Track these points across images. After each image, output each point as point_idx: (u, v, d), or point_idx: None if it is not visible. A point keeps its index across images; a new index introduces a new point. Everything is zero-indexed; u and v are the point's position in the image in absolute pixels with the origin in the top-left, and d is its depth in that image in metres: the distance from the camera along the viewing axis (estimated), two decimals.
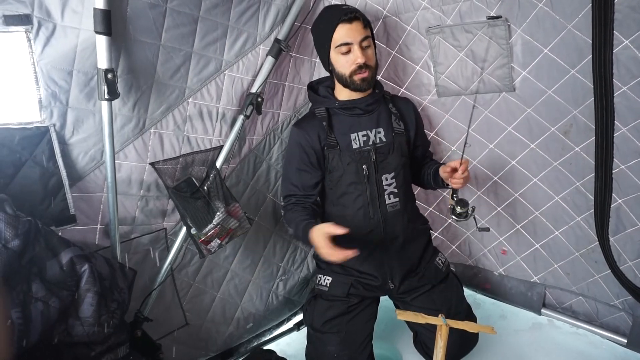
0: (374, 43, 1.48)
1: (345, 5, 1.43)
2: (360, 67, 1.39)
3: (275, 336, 1.99)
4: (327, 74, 1.55)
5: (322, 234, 1.25)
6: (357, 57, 1.38)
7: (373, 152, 1.47)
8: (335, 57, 1.42)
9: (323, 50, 1.46)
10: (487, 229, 1.55)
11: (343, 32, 1.38)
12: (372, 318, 1.60)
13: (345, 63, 1.41)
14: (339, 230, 1.22)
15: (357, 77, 1.41)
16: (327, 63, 1.47)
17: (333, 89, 1.54)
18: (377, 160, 1.48)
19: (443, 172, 1.42)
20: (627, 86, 1.24)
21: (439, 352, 1.27)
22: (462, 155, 1.35)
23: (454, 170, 1.37)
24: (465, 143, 1.36)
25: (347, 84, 1.44)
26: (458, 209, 1.39)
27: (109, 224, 1.28)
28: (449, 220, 2.00)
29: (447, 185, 1.43)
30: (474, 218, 1.43)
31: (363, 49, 1.39)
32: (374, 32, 1.51)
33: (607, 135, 1.31)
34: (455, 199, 1.40)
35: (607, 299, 1.61)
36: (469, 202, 1.40)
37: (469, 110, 1.64)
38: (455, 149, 1.79)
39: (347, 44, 1.38)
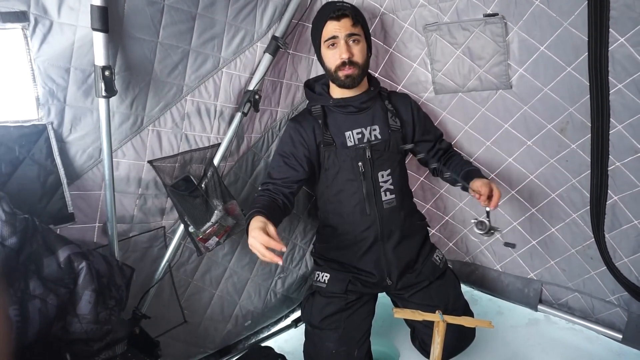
0: (368, 42, 1.49)
1: (340, 2, 1.45)
2: (344, 63, 1.41)
3: (273, 333, 2.00)
4: (324, 72, 1.55)
5: (260, 227, 1.13)
6: (341, 52, 1.40)
7: (368, 149, 1.48)
8: (324, 52, 1.46)
9: (316, 47, 1.50)
10: (514, 245, 1.52)
11: (331, 28, 1.41)
12: (370, 314, 1.60)
13: (331, 57, 1.44)
14: (273, 242, 1.09)
15: (341, 73, 1.43)
16: (320, 59, 1.50)
17: (329, 86, 1.55)
18: (372, 157, 1.48)
19: (472, 194, 1.38)
20: (622, 84, 1.24)
21: (436, 348, 1.27)
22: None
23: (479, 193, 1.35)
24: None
25: (333, 79, 1.47)
26: (478, 229, 1.39)
27: (107, 222, 1.28)
28: (447, 218, 2.01)
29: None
30: (500, 235, 1.42)
31: (349, 45, 1.41)
32: (369, 30, 1.52)
33: (602, 133, 1.32)
34: (487, 216, 1.39)
35: (602, 295, 1.62)
36: (492, 222, 1.38)
37: (466, 108, 1.65)
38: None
39: (333, 37, 1.41)
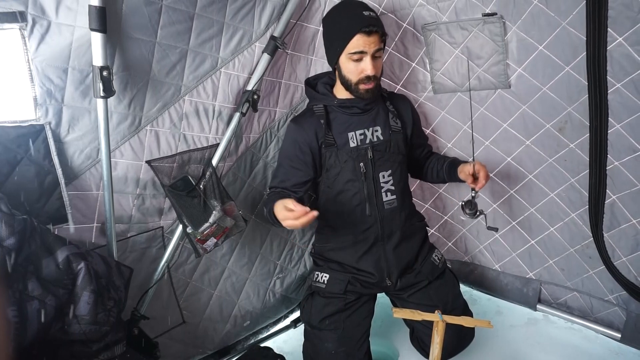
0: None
1: (367, 11, 1.38)
2: (368, 78, 1.39)
3: (272, 333, 1.99)
4: (323, 71, 1.54)
5: (281, 209, 1.26)
6: (367, 68, 1.38)
7: (370, 150, 1.48)
8: (345, 61, 1.40)
9: (333, 50, 1.43)
10: (496, 229, 1.56)
11: (360, 42, 1.35)
12: (369, 315, 1.60)
13: (354, 70, 1.40)
14: (297, 212, 1.20)
15: (362, 87, 1.42)
16: (334, 62, 1.46)
17: (332, 85, 1.54)
18: (374, 158, 1.48)
19: (464, 177, 1.43)
20: (620, 83, 1.25)
21: (436, 348, 1.27)
22: (473, 160, 1.39)
23: (473, 175, 1.39)
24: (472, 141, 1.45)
25: (352, 90, 1.44)
26: (467, 210, 1.45)
27: (105, 222, 1.28)
28: (445, 217, 2.01)
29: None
30: (485, 217, 1.46)
31: (374, 59, 1.39)
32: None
33: (601, 132, 1.32)
34: (473, 196, 1.44)
35: (601, 294, 1.62)
36: (477, 204, 1.44)
37: (465, 107, 1.65)
38: (451, 145, 1.79)
39: (361, 52, 1.36)
